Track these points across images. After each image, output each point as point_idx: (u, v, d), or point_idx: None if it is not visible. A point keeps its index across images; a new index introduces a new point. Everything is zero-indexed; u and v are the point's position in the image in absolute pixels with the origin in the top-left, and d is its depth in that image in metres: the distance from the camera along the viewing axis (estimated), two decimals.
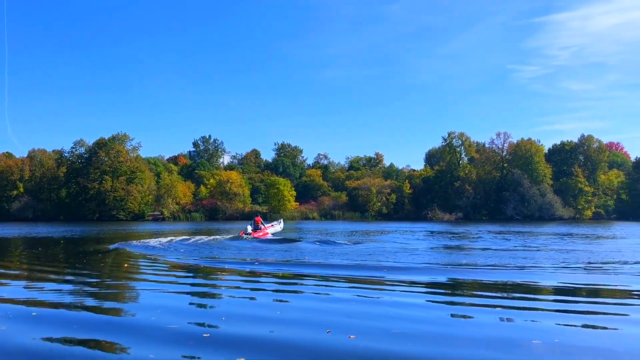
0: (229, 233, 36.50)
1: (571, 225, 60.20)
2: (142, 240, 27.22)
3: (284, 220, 41.71)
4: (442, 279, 12.58)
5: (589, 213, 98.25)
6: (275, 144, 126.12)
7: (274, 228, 37.24)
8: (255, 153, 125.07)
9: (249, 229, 32.37)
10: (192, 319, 8.24)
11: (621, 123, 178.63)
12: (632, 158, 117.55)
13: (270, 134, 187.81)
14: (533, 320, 8.12)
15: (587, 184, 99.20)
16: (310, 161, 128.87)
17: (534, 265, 15.68)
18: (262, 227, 33.91)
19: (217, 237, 31.21)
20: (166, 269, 15.06)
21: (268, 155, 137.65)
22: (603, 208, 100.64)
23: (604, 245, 25.06)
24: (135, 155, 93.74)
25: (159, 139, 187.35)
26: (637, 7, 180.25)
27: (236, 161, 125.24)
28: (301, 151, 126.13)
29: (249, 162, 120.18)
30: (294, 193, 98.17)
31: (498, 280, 12.41)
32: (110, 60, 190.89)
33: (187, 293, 10.89)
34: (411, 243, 26.70)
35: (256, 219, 35.01)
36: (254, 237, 30.40)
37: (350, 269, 14.54)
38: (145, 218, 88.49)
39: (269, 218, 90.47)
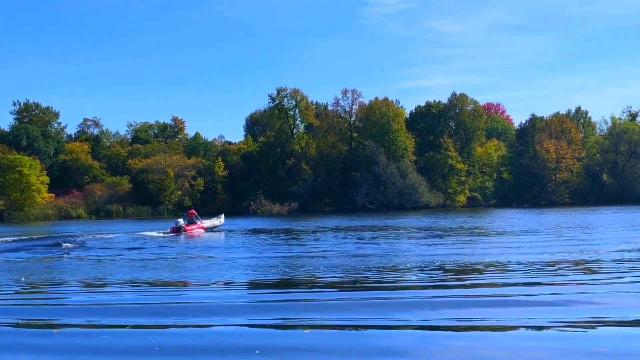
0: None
1: (441, 216, 64.19)
2: None
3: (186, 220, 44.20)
4: (267, 322, 11.80)
5: (462, 198, 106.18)
6: (14, 104, 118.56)
7: (211, 222, 45.24)
8: None
9: (181, 222, 40.40)
10: None
11: (502, 78, 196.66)
12: (516, 124, 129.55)
13: (4, 88, 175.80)
14: None
15: (459, 159, 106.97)
16: (72, 130, 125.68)
17: (396, 295, 15.72)
18: (198, 221, 42.74)
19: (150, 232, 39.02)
20: None
21: (3, 120, 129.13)
22: (480, 191, 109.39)
23: (485, 249, 26.47)
24: None
25: None
26: None
27: None
28: (57, 115, 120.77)
29: None
30: (47, 179, 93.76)
31: (346, 318, 11.98)
32: None
33: None
34: (222, 254, 26.04)
35: (190, 211, 43.90)
36: (188, 233, 39.08)
37: (125, 315, 13.17)
38: None
39: (6, 219, 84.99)
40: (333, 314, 12.18)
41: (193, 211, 43.92)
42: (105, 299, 14.96)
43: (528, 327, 10.33)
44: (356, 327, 10.70)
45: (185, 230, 39.34)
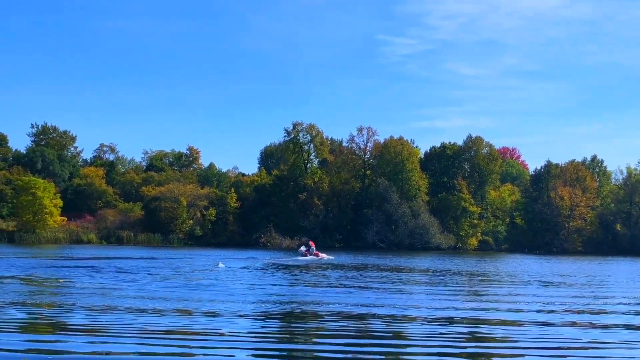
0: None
1: (451, 259, 63.60)
2: None
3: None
4: None
5: (473, 242, 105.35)
6: (32, 126, 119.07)
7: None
8: (0, 138, 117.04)
9: (313, 249, 58.06)
10: None
11: (518, 122, 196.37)
12: (530, 170, 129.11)
13: (23, 111, 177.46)
14: None
15: (472, 202, 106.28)
16: (88, 155, 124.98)
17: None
18: (314, 250, 58.18)
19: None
20: None
21: (20, 142, 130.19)
22: (492, 235, 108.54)
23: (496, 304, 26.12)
24: None
25: None
26: None
27: None
28: (74, 139, 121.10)
29: None
30: (61, 202, 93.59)
31: None
32: None
33: None
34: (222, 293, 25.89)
35: (310, 242, 61.72)
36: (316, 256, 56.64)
37: None
38: None
39: (16, 240, 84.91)
40: None
41: (312, 242, 61.23)
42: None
43: None
44: None
45: (315, 255, 56.43)
